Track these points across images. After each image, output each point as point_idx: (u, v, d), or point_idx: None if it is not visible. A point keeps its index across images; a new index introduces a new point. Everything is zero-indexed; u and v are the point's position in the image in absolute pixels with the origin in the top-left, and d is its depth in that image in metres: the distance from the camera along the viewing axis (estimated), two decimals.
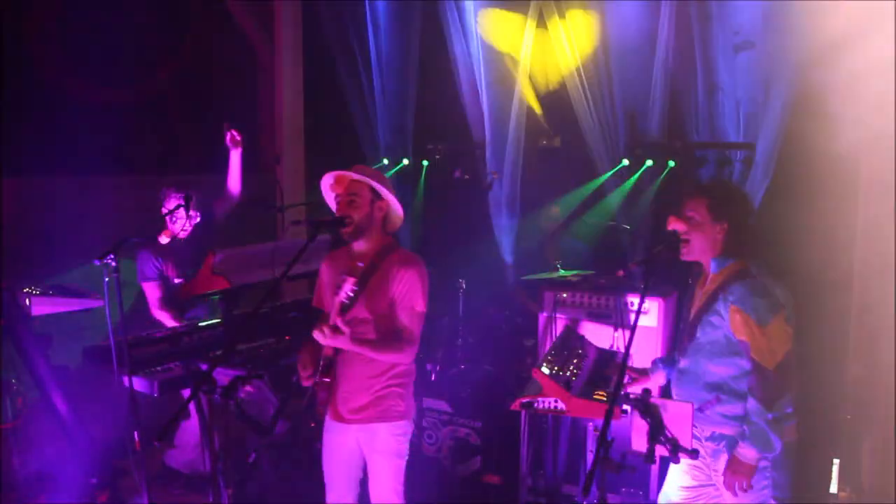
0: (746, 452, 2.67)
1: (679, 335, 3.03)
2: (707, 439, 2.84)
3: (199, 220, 4.40)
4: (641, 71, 5.31)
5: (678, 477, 2.95)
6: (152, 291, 4.36)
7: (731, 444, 2.76)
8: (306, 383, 3.01)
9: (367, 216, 2.98)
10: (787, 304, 2.72)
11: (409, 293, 2.95)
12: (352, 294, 2.76)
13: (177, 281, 4.41)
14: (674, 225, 2.82)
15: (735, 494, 2.72)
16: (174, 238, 4.40)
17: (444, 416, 4.62)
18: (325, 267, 3.21)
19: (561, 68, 5.68)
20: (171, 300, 4.39)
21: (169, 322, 4.33)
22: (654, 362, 3.20)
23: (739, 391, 2.75)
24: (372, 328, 2.96)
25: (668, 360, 3.15)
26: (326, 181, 3.07)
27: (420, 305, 2.98)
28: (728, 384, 2.79)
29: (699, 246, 2.81)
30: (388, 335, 2.96)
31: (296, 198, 6.48)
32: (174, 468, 4.48)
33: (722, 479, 2.77)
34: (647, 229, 5.48)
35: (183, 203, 4.24)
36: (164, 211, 4.31)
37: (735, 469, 2.70)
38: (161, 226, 4.39)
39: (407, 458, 3.10)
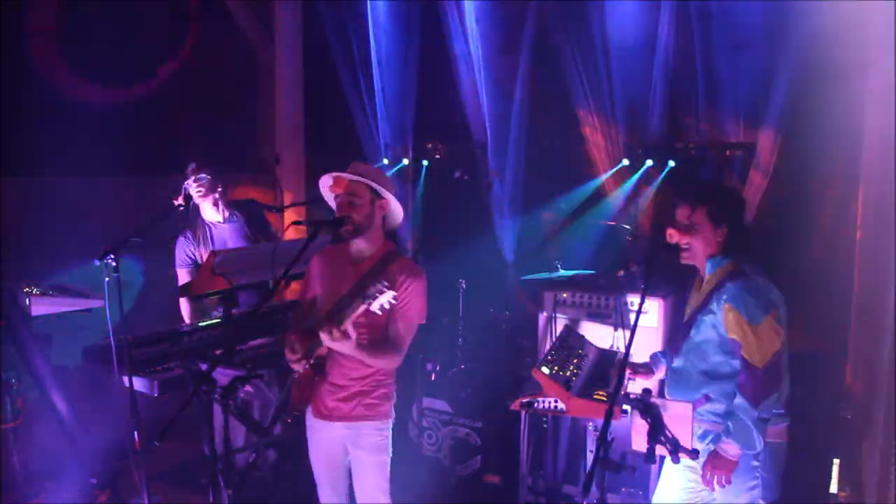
0: (728, 448, 2.69)
1: (674, 335, 3.04)
2: (699, 438, 2.84)
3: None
4: (641, 71, 5.31)
5: (672, 478, 2.96)
6: (182, 279, 4.27)
7: (717, 440, 2.76)
8: (297, 367, 2.89)
9: (368, 216, 2.93)
10: (779, 304, 2.74)
11: (411, 304, 2.92)
12: (389, 306, 2.68)
13: None
14: (675, 238, 2.83)
15: (712, 489, 2.73)
16: (214, 226, 4.33)
17: (444, 416, 4.62)
18: (317, 262, 3.15)
19: (561, 68, 5.67)
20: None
21: (185, 315, 4.24)
22: (653, 357, 3.20)
23: (730, 390, 2.75)
24: (367, 332, 2.92)
25: (667, 354, 3.15)
26: (325, 183, 3.01)
27: (419, 318, 2.97)
28: (719, 383, 2.79)
29: (699, 251, 2.84)
30: (381, 341, 2.93)
31: (296, 198, 6.48)
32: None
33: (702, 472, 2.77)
34: (648, 229, 5.47)
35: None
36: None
37: (716, 464, 2.71)
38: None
39: (391, 455, 3.08)
